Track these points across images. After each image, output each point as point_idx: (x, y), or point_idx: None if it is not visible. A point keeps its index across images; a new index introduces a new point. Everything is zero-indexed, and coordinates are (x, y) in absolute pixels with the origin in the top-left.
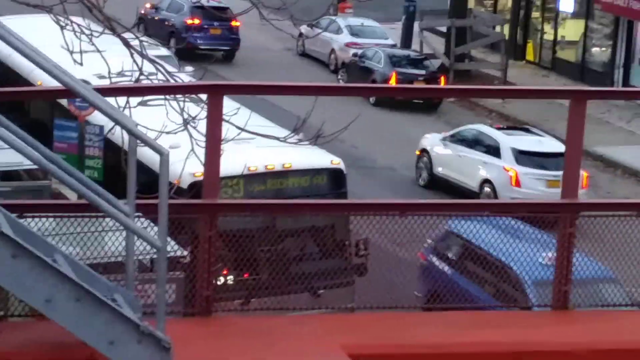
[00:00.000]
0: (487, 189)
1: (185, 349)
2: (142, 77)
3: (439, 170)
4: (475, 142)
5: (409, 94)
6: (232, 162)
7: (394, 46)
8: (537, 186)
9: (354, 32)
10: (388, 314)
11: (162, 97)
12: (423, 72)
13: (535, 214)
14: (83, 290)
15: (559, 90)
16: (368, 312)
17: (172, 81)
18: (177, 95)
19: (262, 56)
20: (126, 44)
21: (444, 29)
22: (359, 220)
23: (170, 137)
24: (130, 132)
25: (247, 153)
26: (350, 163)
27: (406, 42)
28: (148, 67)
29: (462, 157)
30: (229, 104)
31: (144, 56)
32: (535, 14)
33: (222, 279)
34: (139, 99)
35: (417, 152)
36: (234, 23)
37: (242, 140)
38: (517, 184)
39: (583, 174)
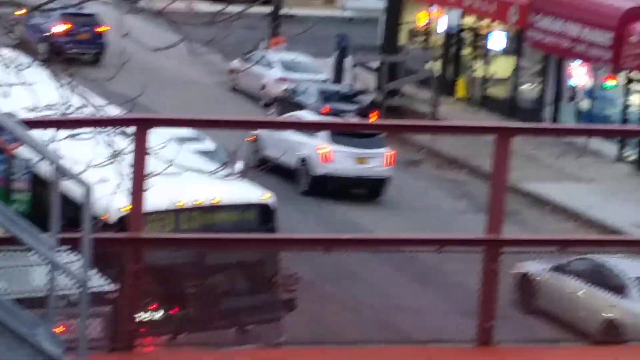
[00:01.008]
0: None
1: None
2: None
3: (266, 152)
4: None
5: (340, 128)
6: (161, 197)
7: (326, 81)
8: (348, 163)
9: (286, 66)
10: (315, 350)
11: (91, 130)
12: (355, 107)
13: (457, 250)
14: (2, 325)
15: (485, 127)
16: (296, 347)
17: (99, 114)
18: (105, 128)
19: (194, 91)
20: (56, 77)
21: (375, 65)
22: (287, 255)
23: (101, 171)
24: (55, 166)
25: (177, 188)
26: (284, 197)
27: (338, 77)
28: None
29: (283, 140)
30: (158, 138)
31: (72, 89)
32: (466, 51)
33: (149, 314)
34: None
35: (249, 139)
36: (100, 29)
37: (171, 175)
38: (327, 160)
39: (392, 153)
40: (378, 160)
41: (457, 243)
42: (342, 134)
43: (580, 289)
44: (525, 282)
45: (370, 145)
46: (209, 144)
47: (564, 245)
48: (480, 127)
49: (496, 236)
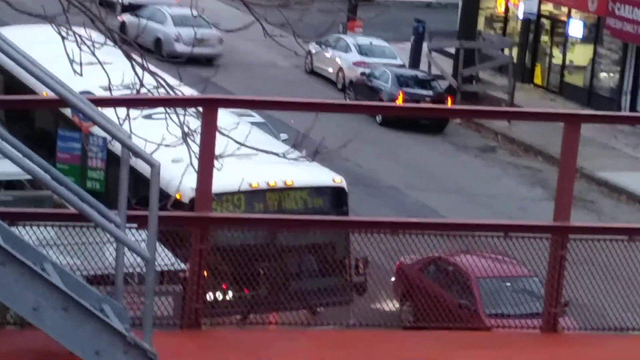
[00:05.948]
0: None
1: None
2: (144, 89)
3: None
4: None
5: (415, 113)
6: (233, 178)
7: (402, 66)
8: None
9: (362, 51)
10: (379, 332)
11: (163, 110)
12: (430, 92)
13: (524, 236)
14: (70, 300)
15: (553, 114)
16: (360, 329)
17: (172, 94)
18: (177, 108)
19: (271, 73)
20: (127, 56)
21: (452, 51)
22: (357, 238)
23: (177, 151)
24: (123, 144)
25: (249, 169)
26: (354, 181)
27: (414, 62)
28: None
29: None
30: (229, 118)
31: (145, 68)
32: (544, 38)
33: (220, 294)
34: (142, 112)
35: None
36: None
37: (243, 156)
38: None
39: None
40: None
41: (524, 229)
42: None
43: None
44: None
45: None
46: (257, 117)
47: (632, 233)
48: (548, 114)
49: (563, 223)
